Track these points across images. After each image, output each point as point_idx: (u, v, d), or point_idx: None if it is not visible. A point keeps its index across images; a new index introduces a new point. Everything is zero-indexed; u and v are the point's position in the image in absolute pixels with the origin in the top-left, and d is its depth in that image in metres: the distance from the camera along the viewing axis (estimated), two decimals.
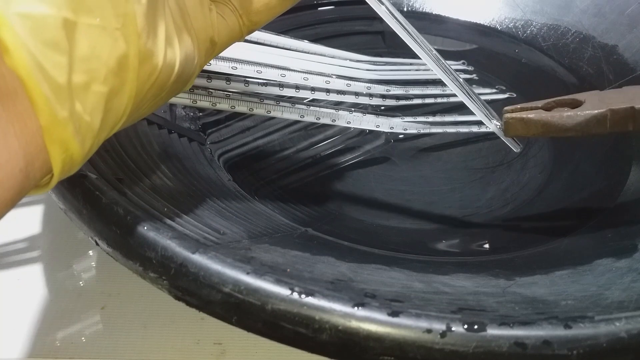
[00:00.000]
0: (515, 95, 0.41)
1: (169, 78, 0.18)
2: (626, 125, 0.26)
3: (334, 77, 0.35)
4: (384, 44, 0.47)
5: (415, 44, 0.27)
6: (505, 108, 0.28)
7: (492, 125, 0.30)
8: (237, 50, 0.33)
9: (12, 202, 0.14)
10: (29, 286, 0.29)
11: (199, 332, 0.26)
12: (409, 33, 0.27)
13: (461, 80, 0.29)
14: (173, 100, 0.30)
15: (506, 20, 0.47)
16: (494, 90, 0.41)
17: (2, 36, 0.13)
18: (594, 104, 0.26)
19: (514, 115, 0.27)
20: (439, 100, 0.39)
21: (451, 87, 0.29)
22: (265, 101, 0.31)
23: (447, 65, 0.28)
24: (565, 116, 0.26)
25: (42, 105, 0.14)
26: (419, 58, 0.29)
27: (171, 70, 0.18)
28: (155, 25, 0.17)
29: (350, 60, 0.39)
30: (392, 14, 0.26)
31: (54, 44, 0.14)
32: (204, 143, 0.34)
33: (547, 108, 0.27)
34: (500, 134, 0.30)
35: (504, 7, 0.48)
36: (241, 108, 0.31)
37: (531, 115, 0.27)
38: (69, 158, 0.15)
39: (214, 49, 0.21)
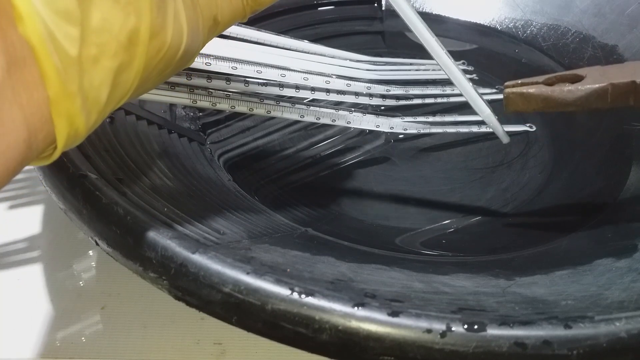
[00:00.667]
0: None
1: (176, 54, 0.18)
2: (627, 99, 0.26)
3: (334, 77, 0.35)
4: (384, 44, 0.47)
5: (430, 38, 0.27)
6: (506, 83, 0.28)
7: (485, 115, 0.30)
8: (237, 50, 0.33)
9: (14, 172, 0.14)
10: (29, 286, 0.29)
11: (199, 332, 0.26)
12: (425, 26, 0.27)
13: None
14: (173, 100, 0.30)
15: (506, 20, 0.47)
16: (494, 90, 0.41)
17: (16, 4, 0.13)
18: (595, 79, 0.26)
19: (514, 90, 0.27)
20: (439, 100, 0.39)
21: (457, 84, 0.29)
22: (265, 101, 0.31)
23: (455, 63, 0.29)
24: (565, 90, 0.26)
25: (52, 77, 0.14)
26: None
27: (178, 47, 0.18)
28: (166, 1, 0.17)
29: (350, 60, 0.39)
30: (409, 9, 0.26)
31: (67, 14, 0.14)
32: (204, 143, 0.34)
33: (548, 83, 0.27)
34: (491, 123, 0.30)
35: (504, 7, 0.48)
36: (241, 108, 0.31)
37: (532, 90, 0.26)
38: (73, 131, 0.15)
39: (217, 28, 0.20)
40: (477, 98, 0.29)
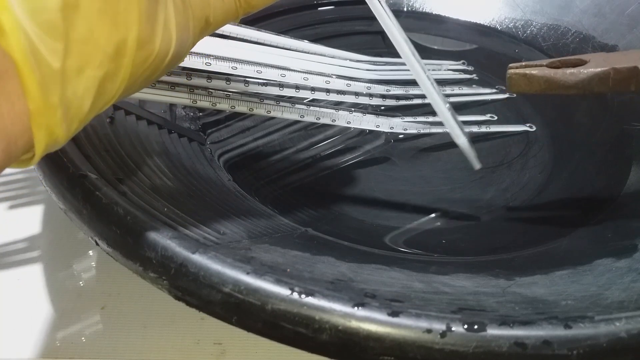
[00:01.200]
0: (515, 95, 0.41)
1: (163, 61, 0.17)
2: (628, 84, 0.26)
3: (334, 77, 0.35)
4: (384, 44, 0.47)
5: (403, 44, 0.27)
6: (510, 65, 0.28)
7: (460, 141, 0.30)
8: (237, 50, 0.33)
9: None
10: (29, 286, 0.29)
11: (199, 332, 0.26)
12: (398, 30, 0.27)
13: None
14: (173, 100, 0.30)
15: (506, 20, 0.47)
16: (494, 90, 0.41)
17: (0, 17, 0.13)
18: (598, 63, 0.26)
19: (517, 71, 0.27)
20: None
21: (426, 93, 0.29)
22: (265, 101, 0.31)
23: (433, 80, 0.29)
24: (568, 73, 0.26)
25: (34, 91, 0.14)
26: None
27: (166, 54, 0.17)
28: (156, 9, 0.16)
29: (350, 60, 0.39)
30: (389, 18, 0.26)
31: (51, 28, 0.14)
32: (204, 143, 0.34)
33: (552, 66, 0.27)
34: (465, 149, 0.30)
35: (504, 7, 0.48)
36: (241, 108, 0.31)
37: (534, 71, 0.27)
38: (53, 141, 0.15)
39: (208, 28, 0.20)
40: (453, 123, 0.29)
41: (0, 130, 0.14)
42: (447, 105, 0.29)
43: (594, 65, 0.26)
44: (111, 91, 0.16)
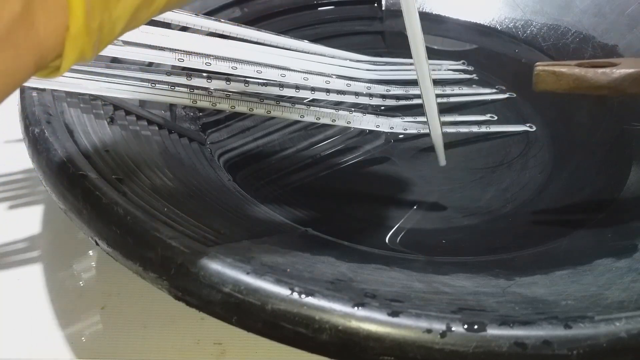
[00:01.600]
0: (515, 95, 0.41)
1: None
2: None
3: (334, 77, 0.35)
4: (384, 44, 0.47)
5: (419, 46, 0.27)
6: (537, 63, 0.28)
7: (436, 133, 0.30)
8: (237, 50, 0.33)
9: (17, 87, 0.15)
10: (29, 286, 0.29)
11: (199, 332, 0.26)
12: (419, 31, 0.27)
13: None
14: (173, 100, 0.30)
15: (506, 20, 0.47)
16: (494, 90, 0.41)
17: None
18: (630, 65, 0.26)
19: (545, 68, 0.27)
20: (439, 100, 0.39)
21: (421, 83, 0.29)
22: (265, 101, 0.31)
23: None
24: (599, 72, 0.26)
25: (79, 16, 0.14)
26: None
27: None
28: None
29: (350, 60, 0.39)
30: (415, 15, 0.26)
31: None
32: (204, 143, 0.34)
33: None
34: (437, 143, 0.31)
35: (504, 7, 0.48)
36: (241, 108, 0.31)
37: (564, 69, 0.26)
38: (81, 59, 0.15)
39: None
40: (437, 117, 0.29)
41: (36, 43, 0.14)
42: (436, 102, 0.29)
43: (627, 67, 0.26)
44: (143, 17, 0.16)
